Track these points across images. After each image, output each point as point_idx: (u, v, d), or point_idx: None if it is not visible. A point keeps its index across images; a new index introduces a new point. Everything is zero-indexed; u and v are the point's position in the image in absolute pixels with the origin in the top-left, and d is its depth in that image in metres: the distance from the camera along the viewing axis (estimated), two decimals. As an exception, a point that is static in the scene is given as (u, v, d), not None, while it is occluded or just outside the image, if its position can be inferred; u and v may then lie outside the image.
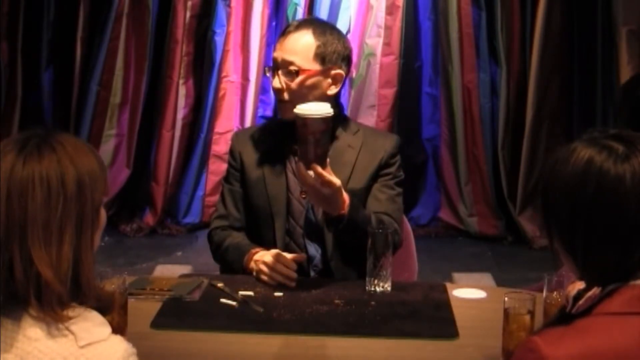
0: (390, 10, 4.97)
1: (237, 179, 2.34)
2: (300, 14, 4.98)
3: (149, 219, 5.09)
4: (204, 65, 5.10)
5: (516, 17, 4.98)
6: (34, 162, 1.26)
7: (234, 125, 5.12)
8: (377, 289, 2.07)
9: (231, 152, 2.38)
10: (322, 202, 2.09)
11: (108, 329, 1.28)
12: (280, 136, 2.31)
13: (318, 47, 2.22)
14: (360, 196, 2.28)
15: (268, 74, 2.30)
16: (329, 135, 2.04)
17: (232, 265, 2.26)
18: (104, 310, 1.31)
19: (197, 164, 5.13)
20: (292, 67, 2.21)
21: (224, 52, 5.04)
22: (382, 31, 4.97)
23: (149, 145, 5.15)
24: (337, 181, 2.03)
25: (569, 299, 1.36)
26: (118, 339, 1.28)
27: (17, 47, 4.99)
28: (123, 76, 5.08)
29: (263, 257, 2.15)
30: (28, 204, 1.24)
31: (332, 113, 2.01)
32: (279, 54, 2.24)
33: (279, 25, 5.09)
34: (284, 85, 2.22)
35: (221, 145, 5.05)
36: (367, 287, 2.08)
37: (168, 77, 5.06)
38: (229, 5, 5.02)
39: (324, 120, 1.98)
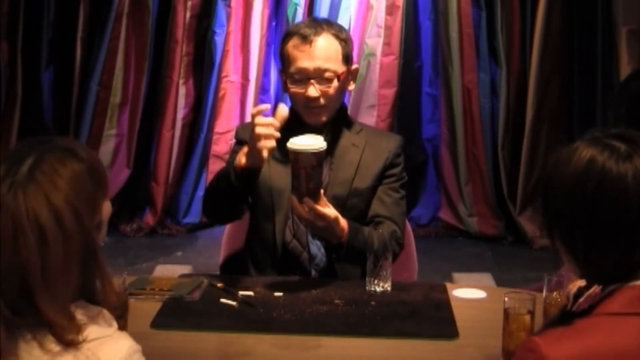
0: (390, 10, 4.97)
1: None
2: (300, 14, 4.98)
3: (149, 219, 5.09)
4: (204, 65, 5.10)
5: (516, 17, 4.98)
6: (20, 205, 1.19)
7: (234, 125, 5.11)
8: (377, 289, 2.07)
9: (238, 141, 2.37)
10: (320, 232, 2.11)
11: (114, 326, 1.28)
12: (286, 133, 2.31)
13: (343, 48, 2.25)
14: (365, 195, 2.29)
15: (292, 87, 2.25)
16: (322, 169, 2.03)
17: (221, 182, 2.15)
18: (119, 318, 1.31)
19: (197, 164, 5.13)
20: (328, 74, 2.22)
21: (224, 52, 5.04)
22: (382, 31, 4.97)
23: (149, 145, 5.15)
24: (331, 213, 2.05)
25: (570, 296, 1.36)
26: (124, 336, 1.28)
27: (17, 47, 4.98)
28: (123, 76, 5.08)
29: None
30: (21, 251, 1.19)
31: (325, 147, 2.00)
32: (309, 64, 2.21)
33: (279, 25, 5.09)
34: (320, 93, 2.22)
35: (221, 145, 5.06)
36: (367, 287, 2.08)
37: (168, 77, 5.06)
38: (229, 5, 5.02)
39: (316, 155, 1.97)
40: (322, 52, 2.21)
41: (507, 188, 5.04)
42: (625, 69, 4.78)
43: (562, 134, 5.01)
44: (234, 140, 2.41)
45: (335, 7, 4.99)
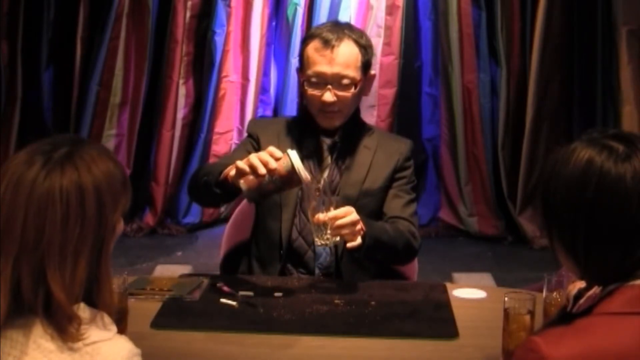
0: (390, 10, 4.98)
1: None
2: (300, 14, 4.98)
3: (149, 219, 5.10)
4: (204, 65, 5.11)
5: (516, 17, 4.98)
6: (56, 179, 1.24)
7: (234, 125, 5.12)
8: (328, 242, 2.01)
9: (249, 134, 2.37)
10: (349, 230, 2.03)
11: (114, 329, 1.28)
12: (299, 133, 2.31)
13: (363, 55, 2.25)
14: (375, 196, 2.30)
15: (309, 89, 2.23)
16: (286, 188, 1.97)
17: (207, 180, 2.07)
18: (118, 322, 1.31)
19: (197, 164, 5.13)
20: (345, 81, 2.21)
21: (224, 52, 5.04)
22: (382, 31, 4.97)
23: (149, 145, 5.16)
24: (347, 208, 2.01)
25: (570, 298, 1.36)
26: (123, 339, 1.28)
27: (17, 47, 4.99)
28: (123, 76, 5.08)
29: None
30: (47, 224, 1.22)
31: (306, 180, 1.92)
32: (328, 69, 2.20)
33: (279, 25, 5.09)
34: (336, 99, 2.22)
35: (221, 145, 5.06)
36: (317, 243, 2.03)
37: (168, 77, 5.07)
38: (229, 5, 5.03)
39: (290, 172, 1.90)
40: (342, 58, 2.21)
41: (507, 188, 5.04)
42: (625, 69, 4.79)
43: (562, 134, 5.01)
44: (234, 142, 2.40)
45: (335, 7, 4.99)
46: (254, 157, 1.91)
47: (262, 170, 1.89)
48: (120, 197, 1.32)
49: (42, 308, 1.23)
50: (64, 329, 1.22)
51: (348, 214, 2.00)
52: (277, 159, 1.91)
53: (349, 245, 2.04)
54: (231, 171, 1.97)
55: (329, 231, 1.99)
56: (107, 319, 1.29)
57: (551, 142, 4.98)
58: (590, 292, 1.29)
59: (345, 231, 2.00)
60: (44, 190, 1.23)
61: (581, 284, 1.36)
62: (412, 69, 5.11)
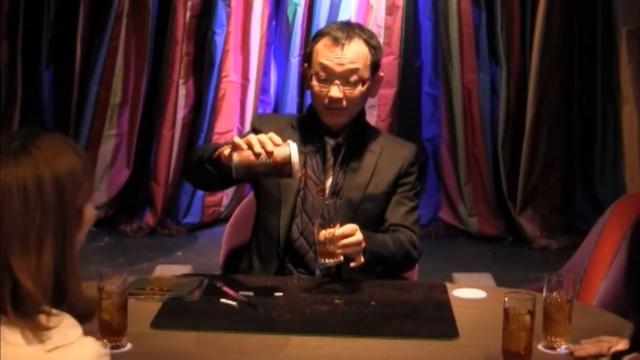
0: (390, 10, 4.98)
1: None
2: (300, 14, 4.98)
3: (149, 219, 5.09)
4: (204, 65, 5.11)
5: (516, 17, 4.98)
6: (10, 170, 1.22)
7: (234, 125, 5.12)
8: (327, 260, 2.01)
9: (253, 128, 2.36)
10: (354, 248, 2.05)
11: (78, 331, 1.23)
12: (303, 132, 2.31)
13: (372, 55, 2.25)
14: (378, 201, 2.29)
15: (316, 85, 2.23)
16: (274, 174, 1.95)
17: (201, 156, 2.06)
18: (85, 318, 1.28)
19: (197, 164, 5.13)
20: (353, 77, 2.21)
21: (224, 52, 5.04)
22: (382, 31, 4.97)
23: (149, 145, 5.16)
24: (351, 226, 2.02)
25: (608, 355, 1.32)
26: (88, 341, 1.23)
27: (17, 47, 4.99)
28: (123, 76, 5.08)
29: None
30: (6, 213, 1.20)
31: (296, 174, 1.91)
32: (337, 65, 2.20)
33: (279, 25, 5.09)
34: (343, 95, 2.22)
35: (221, 145, 5.05)
36: (319, 261, 2.03)
37: (168, 77, 5.06)
38: (229, 5, 5.03)
39: (286, 159, 1.89)
40: (352, 55, 2.21)
41: (507, 188, 5.04)
42: (625, 69, 4.80)
43: (562, 134, 5.02)
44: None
45: (335, 7, 4.99)
46: (252, 137, 1.91)
47: (258, 148, 1.89)
48: (82, 182, 1.29)
49: (9, 301, 1.20)
50: (33, 318, 1.19)
51: (354, 233, 2.01)
52: (275, 145, 1.91)
53: (352, 264, 2.06)
54: (226, 150, 1.97)
55: (335, 250, 1.99)
56: (72, 321, 1.24)
57: (551, 143, 4.99)
58: (630, 357, 1.26)
59: (350, 250, 2.02)
60: (1, 182, 1.21)
61: (622, 346, 1.32)
62: (412, 69, 5.11)
